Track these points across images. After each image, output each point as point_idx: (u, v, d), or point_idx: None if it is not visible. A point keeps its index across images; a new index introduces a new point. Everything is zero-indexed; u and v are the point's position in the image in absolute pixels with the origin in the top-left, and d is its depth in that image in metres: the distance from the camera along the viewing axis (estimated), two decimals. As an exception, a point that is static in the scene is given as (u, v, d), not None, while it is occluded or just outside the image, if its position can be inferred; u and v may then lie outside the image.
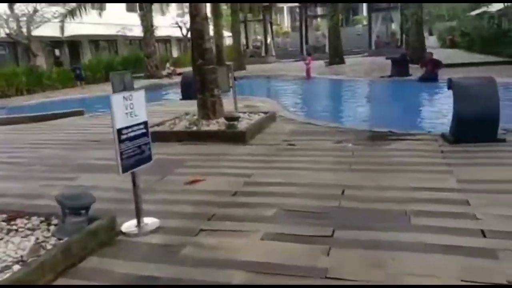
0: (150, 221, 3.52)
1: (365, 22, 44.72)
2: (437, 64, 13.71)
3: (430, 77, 13.41)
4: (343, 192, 3.97)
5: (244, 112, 7.86)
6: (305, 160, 5.24)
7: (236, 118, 6.52)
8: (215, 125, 6.93)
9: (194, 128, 6.85)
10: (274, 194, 4.02)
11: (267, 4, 29.70)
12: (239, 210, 3.70)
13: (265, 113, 7.85)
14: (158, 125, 7.22)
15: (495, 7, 26.72)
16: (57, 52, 25.32)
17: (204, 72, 7.16)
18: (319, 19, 38.56)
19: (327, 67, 22.72)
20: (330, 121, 7.94)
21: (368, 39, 31.36)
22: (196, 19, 7.05)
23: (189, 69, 25.93)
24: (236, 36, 26.18)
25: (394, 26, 33.39)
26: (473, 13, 30.35)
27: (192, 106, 10.37)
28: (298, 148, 5.85)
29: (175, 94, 15.72)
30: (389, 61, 15.46)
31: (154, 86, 19.58)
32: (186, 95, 12.28)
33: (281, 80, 19.04)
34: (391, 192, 3.91)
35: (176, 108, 10.76)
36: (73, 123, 9.59)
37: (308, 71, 18.14)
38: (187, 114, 8.12)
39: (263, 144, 6.17)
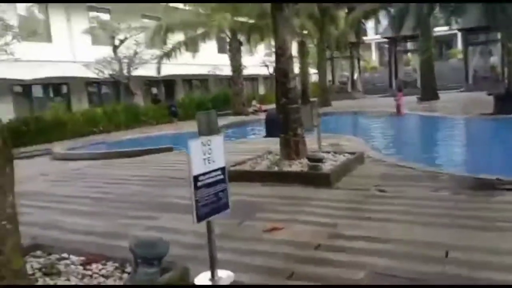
0: (224, 275, 3.25)
1: (459, 56, 42.23)
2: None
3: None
4: (446, 254, 3.37)
5: (328, 152, 7.46)
6: (398, 210, 4.67)
7: (320, 159, 6.16)
8: (298, 165, 6.62)
9: (276, 168, 6.60)
10: (363, 252, 3.54)
11: (354, 41, 29.31)
12: (322, 270, 3.28)
13: (351, 153, 7.37)
14: (240, 163, 7.10)
15: None
16: (154, 90, 27.33)
17: (287, 111, 6.96)
18: (409, 54, 37.14)
19: (419, 103, 21.46)
20: (426, 164, 7.20)
21: (464, 74, 29.31)
22: (281, 58, 6.94)
23: (274, 106, 26.36)
24: (322, 73, 26.05)
25: (494, 60, 30.97)
26: None
27: (275, 144, 10.20)
28: (389, 195, 5.29)
29: (259, 131, 15.79)
30: (489, 97, 14.08)
31: (240, 123, 19.98)
32: (270, 132, 12.21)
33: (369, 116, 18.31)
34: (508, 257, 3.23)
35: (259, 146, 10.69)
36: (162, 159, 9.90)
37: (398, 107, 17.23)
38: (269, 153, 7.93)
39: (349, 189, 5.69)
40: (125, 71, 19.51)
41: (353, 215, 4.61)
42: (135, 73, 20.09)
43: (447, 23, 23.66)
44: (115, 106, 19.62)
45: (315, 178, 6.03)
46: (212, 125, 6.99)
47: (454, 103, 19.99)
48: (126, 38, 19.72)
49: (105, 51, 19.46)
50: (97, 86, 23.43)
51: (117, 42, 19.78)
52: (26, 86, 19.63)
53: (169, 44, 22.35)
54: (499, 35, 27.69)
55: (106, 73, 18.89)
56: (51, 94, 20.86)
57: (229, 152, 9.45)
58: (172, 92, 27.96)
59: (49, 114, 16.59)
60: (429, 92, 22.25)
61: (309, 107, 7.42)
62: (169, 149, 11.00)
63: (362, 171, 6.69)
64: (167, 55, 22.24)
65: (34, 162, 11.51)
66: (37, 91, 20.51)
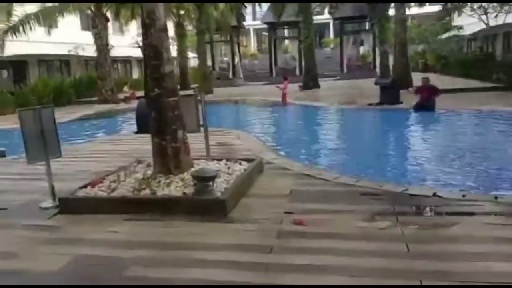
0: None
1: (332, 45, 43.99)
2: (434, 91, 12.06)
3: (426, 105, 11.73)
4: None
5: (219, 160, 5.67)
6: (332, 262, 3.08)
7: (211, 178, 4.31)
8: (179, 185, 4.68)
9: (147, 190, 4.56)
10: None
11: (235, 25, 27.89)
12: None
13: (248, 160, 5.68)
14: (93, 183, 4.89)
15: (467, 31, 26.14)
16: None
17: (162, 106, 4.94)
18: (286, 41, 37.23)
19: (302, 91, 20.94)
20: (339, 171, 5.86)
21: (339, 62, 30.09)
22: (151, 31, 4.86)
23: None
24: (202, 57, 24.09)
25: (365, 49, 32.47)
26: (443, 36, 29.76)
27: (148, 144, 8.20)
28: (311, 230, 3.70)
29: (130, 124, 13.31)
30: (369, 86, 13.79)
31: (107, 113, 17.05)
32: (141, 128, 9.95)
33: (255, 106, 16.98)
34: None
35: (128, 146, 8.44)
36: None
37: (284, 96, 16.21)
38: (139, 162, 5.82)
39: (253, 222, 3.97)
40: None
41: (265, 277, 2.89)
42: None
43: (328, 12, 23.60)
44: None
45: (204, 206, 4.18)
46: (47, 127, 4.68)
47: (336, 91, 19.82)
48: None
49: None
50: None
51: None
52: None
53: (15, 17, 18.13)
54: (370, 25, 28.99)
55: None
56: None
57: (87, 157, 7.03)
58: (23, 75, 23.27)
59: None
60: (310, 80, 21.89)
61: (193, 100, 5.42)
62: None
63: (264, 187, 5.03)
64: (13, 29, 18.00)
65: None
66: None
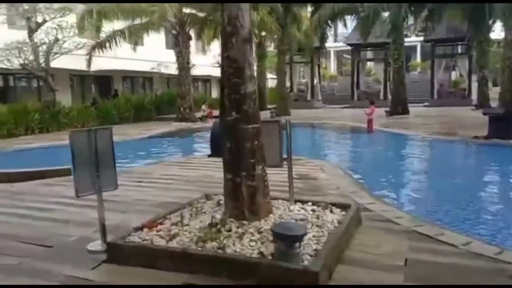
0: None
1: (419, 69, 41.25)
2: None
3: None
4: None
5: (304, 203, 4.51)
6: None
7: (299, 238, 3.15)
8: (254, 238, 3.59)
9: (213, 243, 3.52)
10: None
11: (317, 46, 26.90)
12: None
13: (341, 206, 4.46)
14: (151, 225, 3.97)
15: None
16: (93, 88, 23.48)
17: (240, 135, 3.92)
18: (369, 64, 35.40)
19: (388, 117, 19.18)
20: (460, 228, 4.42)
21: (430, 87, 27.69)
22: (233, 40, 3.89)
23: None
24: (281, 78, 23.33)
25: (457, 74, 29.74)
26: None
27: (221, 171, 7.27)
28: None
29: (204, 145, 12.65)
30: (465, 115, 11.82)
31: (182, 132, 16.71)
32: (215, 151, 9.14)
33: (336, 131, 15.62)
34: None
35: (199, 172, 7.59)
36: (46, 192, 6.51)
37: (370, 122, 14.71)
38: (208, 198, 4.85)
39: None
40: (42, 62, 15.65)
41: None
42: (56, 64, 16.27)
43: (416, 34, 21.77)
44: (25, 103, 15.72)
45: (287, 277, 3.03)
46: (102, 151, 3.88)
47: (427, 119, 17.82)
48: (45, 21, 15.89)
49: (25, 36, 15.55)
50: (12, 79, 19.31)
51: (33, 25, 15.91)
52: None
53: (103, 33, 18.73)
54: (465, 48, 26.42)
55: (16, 62, 14.98)
56: None
57: (153, 182, 6.24)
58: (107, 90, 24.14)
59: None
60: (398, 106, 20.06)
61: (277, 127, 4.34)
62: (67, 172, 7.58)
63: (366, 249, 3.76)
64: (101, 45, 18.59)
65: None
66: None
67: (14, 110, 14.98)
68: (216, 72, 31.39)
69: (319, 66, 32.11)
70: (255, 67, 26.92)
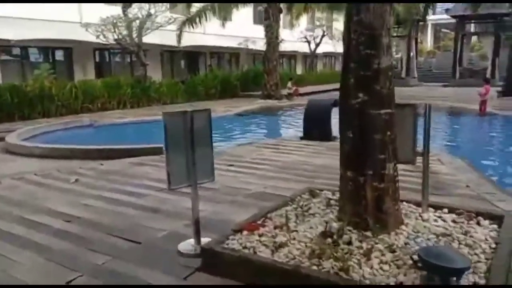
0: None
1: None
2: None
3: None
4: None
5: (438, 209, 3.55)
6: None
7: (461, 272, 2.26)
8: (386, 259, 2.75)
9: (331, 261, 2.73)
10: None
11: (417, 18, 24.46)
12: None
13: (491, 217, 3.43)
14: (247, 228, 3.30)
15: None
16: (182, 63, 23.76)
17: (368, 123, 3.05)
18: (474, 38, 31.70)
19: (501, 98, 16.81)
20: None
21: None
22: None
23: (312, 88, 22.09)
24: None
25: None
26: None
27: (319, 156, 6.49)
28: None
29: (293, 125, 11.87)
30: None
31: (269, 109, 16.06)
32: (309, 133, 8.36)
33: (442, 113, 13.87)
34: None
35: (293, 157, 6.85)
36: (134, 172, 6.20)
37: (483, 103, 12.84)
38: (312, 194, 4.08)
39: None
40: (135, 37, 15.81)
41: None
42: (148, 40, 16.38)
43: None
44: (118, 78, 16.07)
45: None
46: (199, 146, 3.26)
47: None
48: (139, -5, 15.97)
49: (119, 12, 15.82)
50: (107, 54, 20.01)
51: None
52: (17, 49, 16.39)
53: (194, 8, 18.53)
54: None
55: (111, 37, 15.26)
56: (50, 60, 17.52)
57: (245, 167, 5.57)
58: (195, 66, 24.23)
59: (30, 85, 13.19)
60: (514, 86, 17.49)
61: (411, 113, 3.37)
62: (157, 151, 7.28)
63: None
64: (191, 21, 18.42)
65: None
66: (33, 56, 17.24)
67: (107, 84, 15.36)
68: (302, 47, 30.31)
69: (416, 40, 29.39)
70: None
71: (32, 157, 7.48)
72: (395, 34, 27.58)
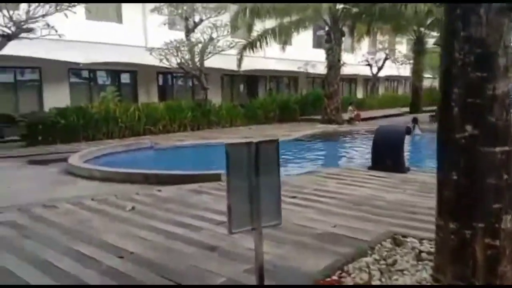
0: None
1: None
2: None
3: None
4: None
5: None
6: None
7: None
8: None
9: None
10: None
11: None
12: None
13: None
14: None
15: None
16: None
17: (478, 162, 2.44)
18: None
19: None
20: None
21: None
22: (479, 11, 2.43)
23: (374, 113, 21.13)
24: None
25: None
26: None
27: (393, 190, 5.84)
28: None
29: (357, 153, 11.16)
30: None
31: (329, 135, 15.41)
32: (378, 161, 7.66)
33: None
34: None
35: (362, 190, 6.20)
36: (193, 201, 5.87)
37: None
38: (397, 242, 3.46)
39: None
40: (197, 61, 15.98)
41: None
42: (209, 64, 16.51)
43: None
44: (179, 101, 16.25)
45: None
46: (265, 183, 2.80)
47: None
48: (201, 20, 16.20)
49: (182, 37, 16.15)
50: (170, 78, 20.49)
51: (191, 25, 16.37)
52: (87, 72, 17.15)
53: (255, 32, 18.54)
54: None
55: (174, 61, 15.52)
56: (116, 82, 18.17)
57: (307, 199, 5.08)
58: (254, 89, 24.20)
59: (96, 106, 13.60)
60: None
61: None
62: (216, 177, 6.95)
63: None
64: (252, 45, 18.43)
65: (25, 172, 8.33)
66: (101, 78, 17.98)
67: (170, 107, 15.55)
68: (364, 70, 29.42)
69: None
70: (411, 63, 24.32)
71: (92, 180, 7.44)
72: None
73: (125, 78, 18.74)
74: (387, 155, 7.52)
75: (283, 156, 10.52)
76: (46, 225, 4.78)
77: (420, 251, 3.15)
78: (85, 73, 17.29)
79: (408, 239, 3.47)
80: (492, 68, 2.39)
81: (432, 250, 2.97)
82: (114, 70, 17.96)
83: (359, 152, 10.97)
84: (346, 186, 6.58)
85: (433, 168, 7.78)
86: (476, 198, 2.47)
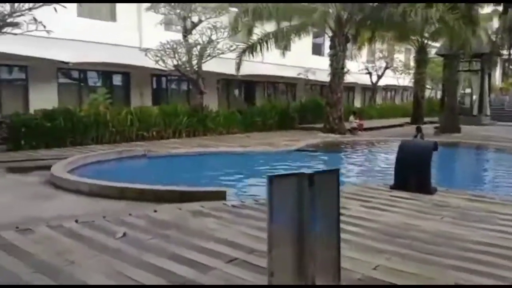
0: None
1: None
2: None
3: None
4: None
5: None
6: None
7: None
8: None
9: None
10: None
11: (490, 51, 22.47)
12: None
13: None
14: None
15: None
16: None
17: None
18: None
19: None
20: None
21: None
22: None
23: (374, 122, 20.41)
24: (451, 88, 19.70)
25: None
26: None
27: (427, 217, 5.05)
28: None
29: (370, 166, 10.29)
30: None
31: (333, 145, 14.59)
32: (402, 180, 6.80)
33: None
34: None
35: (387, 215, 5.31)
36: (197, 226, 4.95)
37: None
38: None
39: None
40: (194, 63, 15.08)
41: None
42: (205, 67, 15.61)
43: None
44: (175, 106, 15.30)
45: None
46: (323, 210, 1.85)
47: None
48: (200, 21, 15.33)
49: (180, 38, 15.24)
50: (164, 81, 19.52)
51: (189, 25, 15.48)
52: (77, 72, 16.13)
53: (255, 36, 17.68)
54: None
55: (170, 63, 14.59)
56: (108, 84, 17.14)
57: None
58: (251, 95, 23.33)
59: (85, 109, 12.60)
60: None
61: None
62: (221, 196, 6.04)
63: None
64: (252, 48, 17.56)
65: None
66: (91, 80, 16.95)
67: (164, 111, 14.61)
68: (362, 79, 28.71)
69: (489, 75, 27.07)
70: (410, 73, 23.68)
71: (78, 194, 6.47)
72: (466, 69, 25.56)
73: (117, 79, 17.75)
74: (412, 174, 6.67)
75: (289, 169, 9.69)
76: (14, 257, 3.82)
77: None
78: (75, 74, 16.26)
79: None
80: None
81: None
82: (106, 71, 16.96)
83: (372, 165, 10.15)
84: (371, 210, 5.70)
85: (463, 189, 6.87)
86: None
